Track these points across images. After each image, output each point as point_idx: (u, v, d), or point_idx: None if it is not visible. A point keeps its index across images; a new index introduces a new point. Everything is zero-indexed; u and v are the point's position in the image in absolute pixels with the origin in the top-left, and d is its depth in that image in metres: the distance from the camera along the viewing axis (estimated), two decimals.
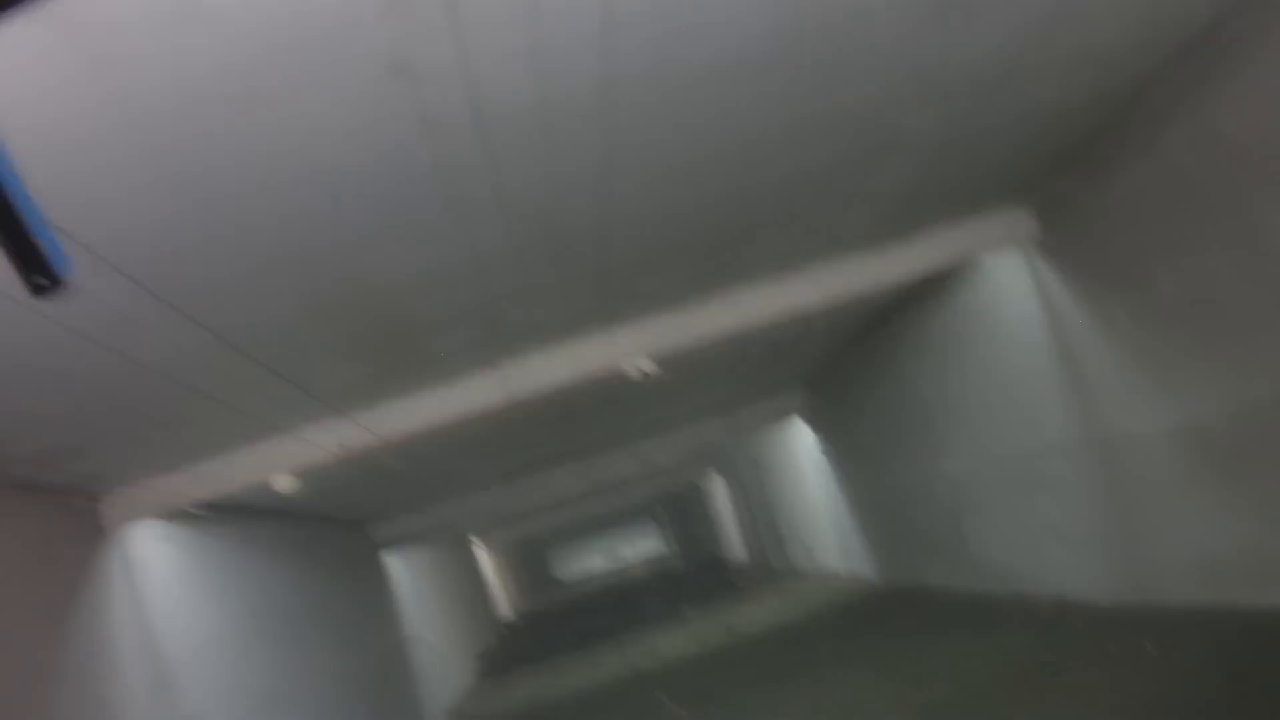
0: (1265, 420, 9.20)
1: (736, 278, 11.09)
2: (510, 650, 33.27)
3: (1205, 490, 10.34)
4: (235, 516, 14.58)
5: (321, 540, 19.24)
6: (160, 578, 12.08)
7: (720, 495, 43.11)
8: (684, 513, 58.28)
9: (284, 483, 11.89)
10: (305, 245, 6.69)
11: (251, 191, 5.70)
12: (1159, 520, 11.28)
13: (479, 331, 10.08)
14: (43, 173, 4.20)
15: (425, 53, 4.83)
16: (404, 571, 25.46)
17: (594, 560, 79.43)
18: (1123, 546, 12.11)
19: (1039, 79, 7.83)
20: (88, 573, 10.69)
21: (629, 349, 11.53)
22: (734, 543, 43.25)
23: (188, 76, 4.49)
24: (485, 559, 44.65)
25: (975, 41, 6.72)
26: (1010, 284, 12.72)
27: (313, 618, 17.13)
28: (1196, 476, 10.43)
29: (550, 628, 35.58)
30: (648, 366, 11.65)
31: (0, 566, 9.24)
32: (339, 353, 9.36)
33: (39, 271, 3.15)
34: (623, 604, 35.36)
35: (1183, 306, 9.86)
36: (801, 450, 26.23)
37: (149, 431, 9.86)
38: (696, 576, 37.91)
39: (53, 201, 4.58)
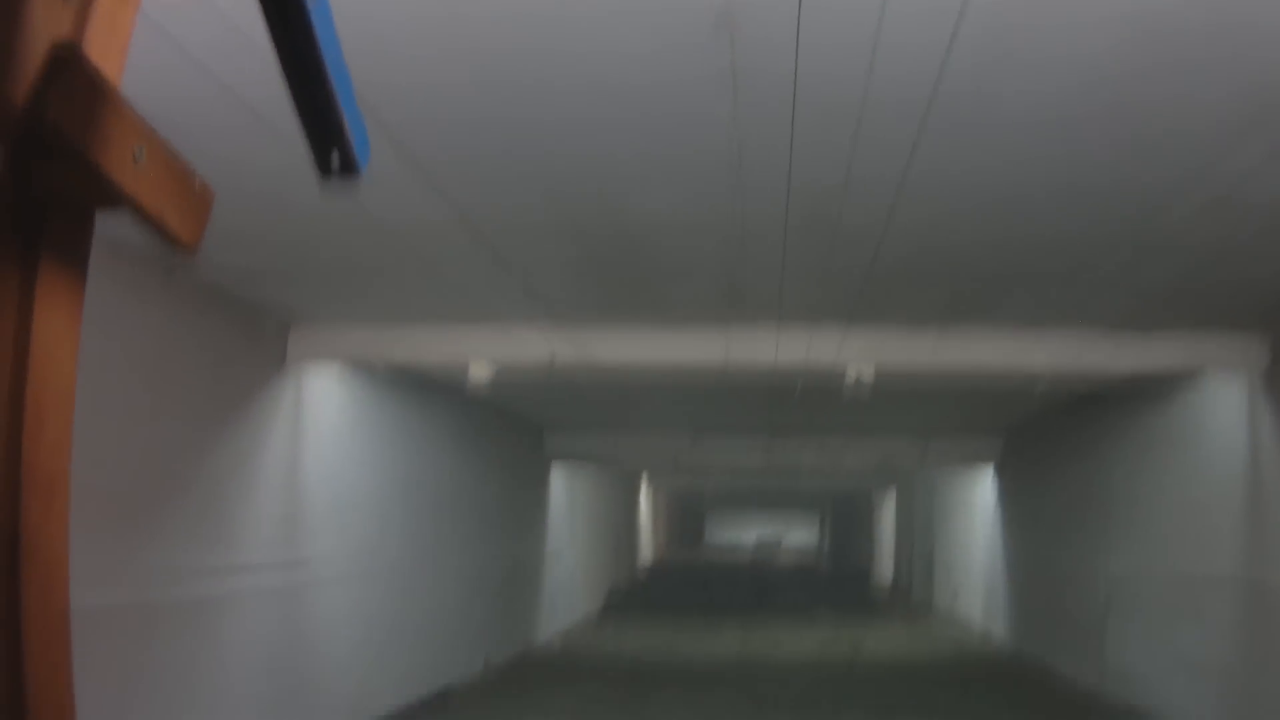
0: None
1: (978, 321, 11.07)
2: (639, 595, 33.38)
3: None
4: (417, 384, 14.89)
5: (492, 432, 19.49)
6: (324, 421, 12.42)
7: (888, 513, 42.76)
8: (847, 519, 57.83)
9: (482, 372, 12.00)
10: (580, 166, 6.74)
11: (547, 113, 5.80)
12: None
13: (718, 291, 10.06)
14: (355, 47, 4.37)
15: (760, 12, 4.74)
16: (564, 486, 25.64)
17: (747, 534, 78.85)
18: (1253, 700, 11.79)
19: None
20: (258, 396, 11.03)
21: (856, 353, 11.51)
22: (885, 562, 42.95)
23: None
24: (645, 498, 44.71)
25: (1273, 172, 6.54)
26: (1226, 407, 12.41)
27: (460, 505, 17.42)
28: None
29: (685, 585, 35.54)
30: (867, 375, 11.63)
31: (178, 367, 9.58)
32: (577, 269, 9.41)
33: (338, 151, 3.02)
34: (761, 584, 35.28)
35: None
36: (979, 497, 25.93)
37: (362, 282, 10.03)
38: (840, 582, 37.68)
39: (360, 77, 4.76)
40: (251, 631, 10.84)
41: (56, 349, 1.96)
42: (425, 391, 15.43)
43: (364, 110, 5.33)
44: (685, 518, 67.04)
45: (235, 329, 10.64)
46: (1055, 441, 19.53)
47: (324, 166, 3.16)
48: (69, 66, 1.79)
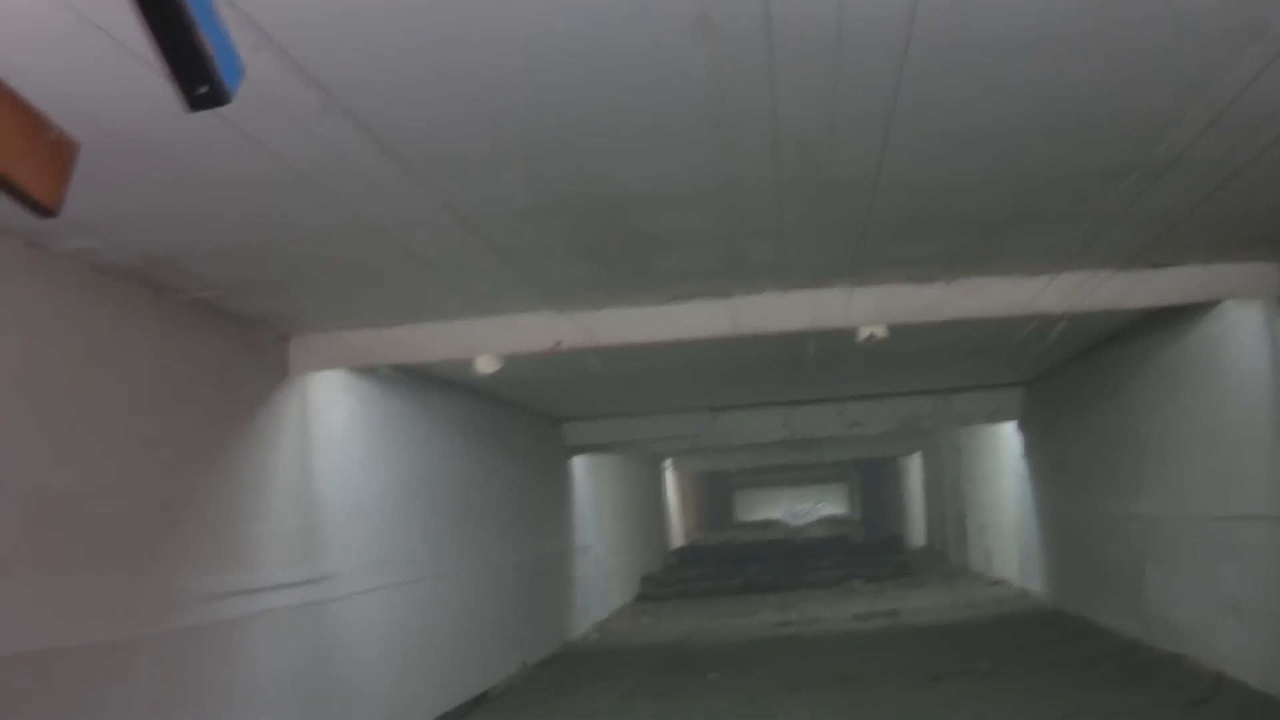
0: None
1: (987, 266, 10.89)
2: (673, 580, 33.27)
3: None
4: (425, 384, 14.75)
5: (509, 429, 19.36)
6: (334, 429, 12.27)
7: (915, 476, 42.64)
8: (875, 485, 57.79)
9: (487, 364, 11.86)
10: (554, 137, 6.56)
11: (507, 73, 5.56)
12: None
13: (717, 260, 9.95)
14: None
15: None
16: (588, 477, 25.51)
17: (775, 509, 78.90)
18: None
19: None
20: (262, 410, 10.88)
21: (866, 311, 11.34)
22: (916, 526, 42.81)
23: None
24: (670, 483, 44.57)
25: (1271, 84, 6.36)
26: (1246, 339, 12.22)
27: (481, 504, 17.23)
28: None
29: (717, 566, 35.42)
30: (880, 332, 11.46)
31: (176, 387, 9.45)
32: (569, 250, 9.29)
33: (201, 79, 2.80)
34: (794, 559, 35.05)
35: None
36: (1005, 452, 25.74)
37: (357, 284, 9.95)
38: (873, 550, 37.52)
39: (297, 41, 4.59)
40: (277, 652, 10.68)
41: None
42: (436, 390, 15.29)
43: (342, 109, 5.11)
44: (713, 498, 67.02)
45: (232, 343, 10.51)
46: (1077, 389, 19.30)
47: (191, 100, 2.92)
48: None
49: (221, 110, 4.94)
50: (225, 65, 2.81)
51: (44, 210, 2.86)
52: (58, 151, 2.43)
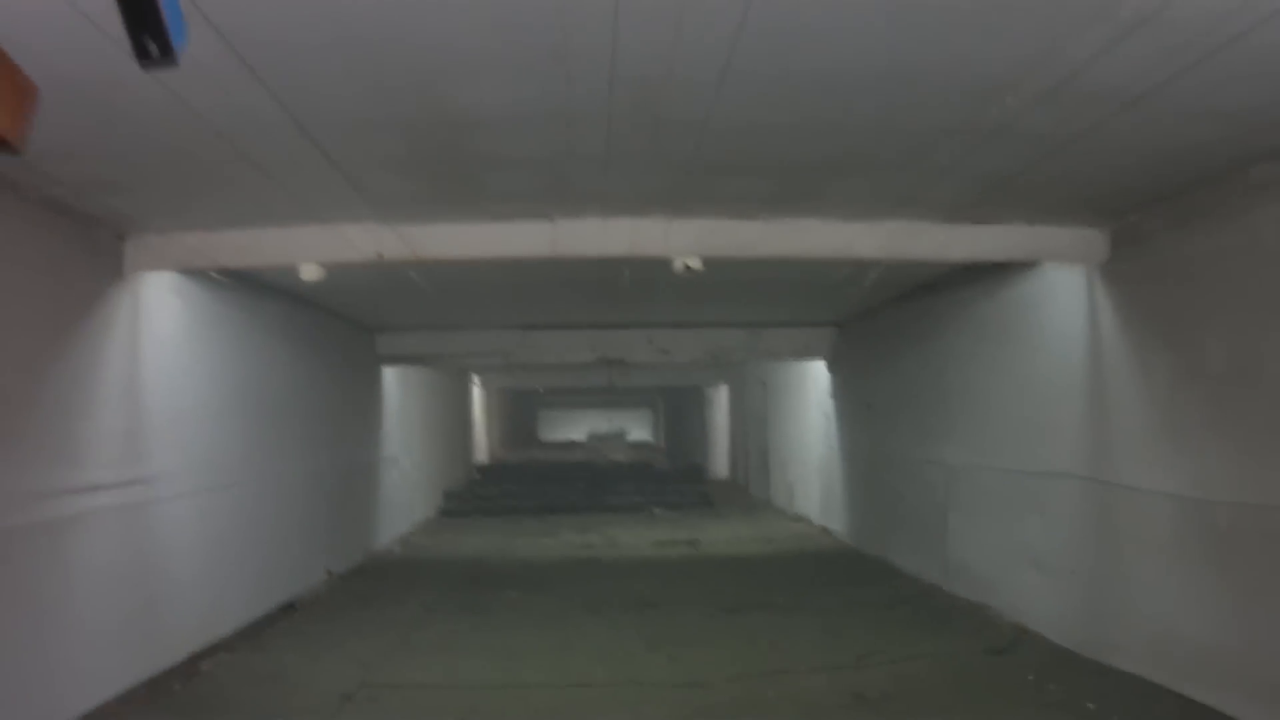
0: (1270, 520, 9.04)
1: (808, 208, 11.02)
2: (477, 495, 33.32)
3: (1190, 569, 10.15)
4: (249, 289, 14.66)
5: (325, 336, 19.23)
6: (162, 331, 12.17)
7: (721, 408, 43.08)
8: (681, 413, 58.24)
9: (312, 272, 11.89)
10: (400, 53, 6.58)
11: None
12: (1137, 582, 11.11)
13: (544, 183, 9.99)
14: None
15: None
16: (397, 389, 25.39)
17: (579, 431, 79.37)
18: (1094, 596, 11.97)
19: (1160, 119, 7.79)
20: (94, 308, 10.77)
21: (684, 242, 11.47)
22: (720, 458, 43.30)
23: None
24: (477, 399, 44.54)
25: (1112, 64, 6.61)
26: (1063, 300, 12.58)
27: (297, 409, 17.24)
28: (1186, 553, 10.23)
29: (520, 484, 35.53)
30: (694, 263, 11.61)
31: (8, 280, 9.28)
32: (401, 164, 9.28)
33: (152, 35, 2.87)
34: (597, 483, 35.25)
35: (1226, 380, 9.70)
36: (813, 390, 26.17)
37: (194, 187, 9.83)
38: (675, 479, 37.85)
39: None
40: (99, 554, 10.63)
41: None
42: (259, 295, 15.20)
43: (186, 6, 5.05)
44: (518, 417, 67.24)
45: (70, 242, 10.41)
46: (890, 333, 19.65)
47: (142, 53, 2.94)
48: None
49: (82, 8, 4.88)
50: (174, 26, 2.84)
51: (11, 150, 2.89)
52: (22, 94, 2.43)
